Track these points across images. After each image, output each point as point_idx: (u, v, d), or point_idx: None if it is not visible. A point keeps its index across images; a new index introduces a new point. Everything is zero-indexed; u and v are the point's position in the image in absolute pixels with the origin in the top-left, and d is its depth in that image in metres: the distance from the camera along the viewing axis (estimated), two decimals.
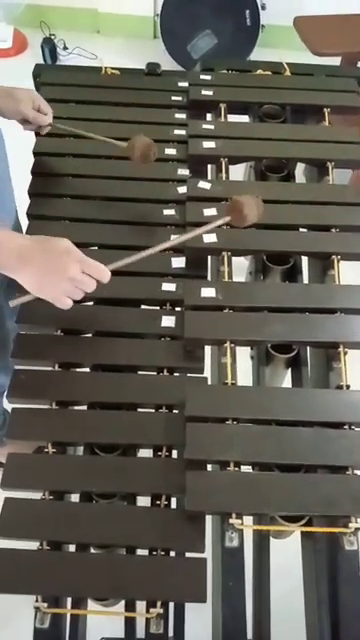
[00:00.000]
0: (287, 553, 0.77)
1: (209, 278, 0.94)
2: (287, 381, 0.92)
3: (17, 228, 1.20)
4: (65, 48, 2.68)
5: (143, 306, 0.90)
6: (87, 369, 0.84)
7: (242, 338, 0.85)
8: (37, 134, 1.08)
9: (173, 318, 0.86)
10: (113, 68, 1.25)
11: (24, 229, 0.98)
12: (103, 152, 1.05)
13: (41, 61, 2.60)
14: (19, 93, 0.98)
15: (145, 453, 0.77)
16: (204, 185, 1.00)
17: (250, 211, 0.87)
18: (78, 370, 0.83)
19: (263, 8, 2.42)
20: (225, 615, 0.66)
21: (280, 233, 0.95)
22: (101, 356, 0.83)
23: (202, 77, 1.22)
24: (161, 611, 0.64)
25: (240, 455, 0.73)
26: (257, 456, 0.73)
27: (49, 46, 2.62)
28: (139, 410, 0.80)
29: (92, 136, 1.03)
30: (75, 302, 0.88)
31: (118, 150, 0.99)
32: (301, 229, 0.98)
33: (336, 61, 1.86)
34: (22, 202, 1.05)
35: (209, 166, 1.11)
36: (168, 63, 2.48)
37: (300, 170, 1.13)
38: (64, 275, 0.74)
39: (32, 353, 0.84)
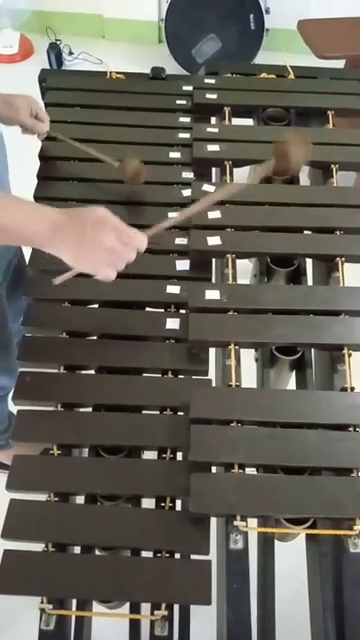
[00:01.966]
0: (292, 556, 0.77)
1: (213, 280, 0.95)
2: (291, 383, 0.92)
3: None
4: (71, 53, 2.69)
5: (148, 308, 0.90)
6: (92, 371, 0.84)
7: (246, 340, 0.85)
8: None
9: (178, 320, 0.86)
10: (118, 72, 1.26)
11: None
12: (109, 155, 1.06)
13: (47, 66, 2.62)
14: (17, 101, 0.99)
15: (150, 455, 0.77)
16: (208, 188, 1.00)
17: (296, 155, 0.82)
18: (83, 372, 0.84)
19: (267, 12, 2.43)
20: (229, 618, 0.66)
21: (284, 235, 0.96)
22: (106, 358, 0.84)
23: (206, 81, 1.22)
24: (166, 613, 0.64)
25: (245, 457, 0.73)
26: (261, 458, 0.73)
27: (55, 51, 2.64)
28: (144, 412, 0.80)
29: (87, 150, 1.03)
30: (80, 304, 0.89)
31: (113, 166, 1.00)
32: (305, 231, 0.98)
33: (340, 64, 1.86)
34: None
35: (213, 169, 1.12)
36: (173, 67, 2.49)
37: (304, 173, 1.13)
38: (101, 245, 0.70)
39: (37, 355, 0.84)
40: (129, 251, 0.72)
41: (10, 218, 0.70)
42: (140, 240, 0.73)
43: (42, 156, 1.08)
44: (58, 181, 1.06)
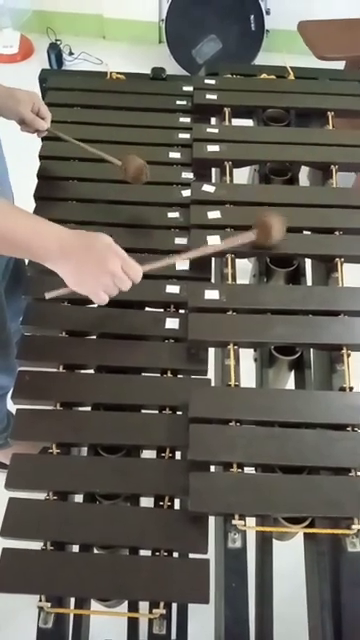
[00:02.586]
0: (290, 555, 0.77)
1: (213, 280, 0.95)
2: (290, 383, 0.92)
3: None
4: (71, 53, 2.70)
5: (147, 308, 0.90)
6: (91, 370, 0.84)
7: (245, 340, 0.85)
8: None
9: (177, 320, 0.86)
10: (118, 73, 1.26)
11: None
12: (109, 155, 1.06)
13: (47, 66, 2.62)
14: (20, 94, 0.98)
15: (149, 454, 0.77)
16: (208, 188, 1.00)
17: (277, 232, 0.89)
18: (82, 371, 0.84)
19: (267, 13, 2.43)
20: (227, 616, 0.66)
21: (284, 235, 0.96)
22: (105, 358, 0.84)
23: (207, 81, 1.23)
24: (164, 612, 0.64)
25: (243, 456, 0.73)
26: (260, 458, 0.73)
27: (55, 51, 2.64)
28: (143, 411, 0.80)
29: (88, 149, 1.03)
30: (79, 304, 0.89)
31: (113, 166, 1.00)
32: (305, 232, 0.98)
33: (340, 65, 1.86)
34: (26, 205, 1.05)
35: (213, 170, 1.12)
36: (173, 68, 2.49)
37: (304, 173, 1.13)
38: (105, 269, 0.74)
39: (37, 354, 0.84)
40: (127, 281, 0.76)
41: (19, 231, 0.72)
42: (138, 272, 0.78)
43: (42, 156, 1.09)
44: (58, 181, 1.06)
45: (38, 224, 0.74)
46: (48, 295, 0.81)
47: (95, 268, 0.74)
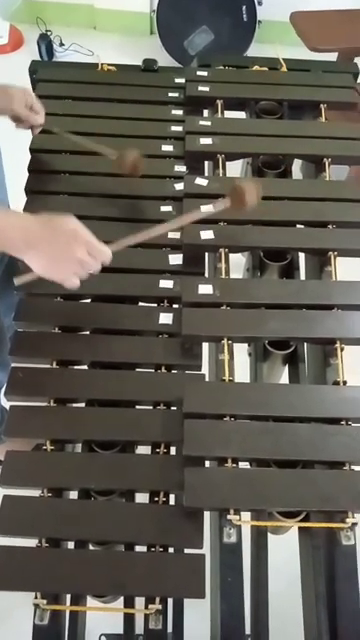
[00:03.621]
0: (285, 549, 0.77)
1: (206, 275, 0.94)
2: (284, 377, 0.92)
3: None
4: (61, 44, 2.66)
5: (141, 303, 0.90)
6: (85, 366, 0.84)
7: (239, 335, 0.85)
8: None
9: (171, 315, 0.86)
10: (110, 64, 1.25)
11: None
12: (100, 149, 1.05)
13: (37, 57, 2.59)
14: (12, 91, 0.97)
15: (143, 450, 0.77)
16: (201, 182, 1.00)
17: (250, 197, 0.87)
18: (76, 367, 0.83)
19: (259, 3, 2.41)
20: (223, 611, 0.66)
21: (277, 229, 0.95)
22: (99, 353, 0.83)
23: (199, 73, 1.21)
24: (160, 607, 0.65)
25: (238, 451, 0.73)
26: (255, 452, 0.73)
27: (45, 42, 2.61)
28: (137, 407, 0.80)
29: (83, 143, 1.02)
30: (73, 299, 0.89)
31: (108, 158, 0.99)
32: (298, 225, 0.98)
33: (333, 57, 1.85)
34: (17, 198, 1.05)
35: (206, 162, 1.11)
36: (165, 59, 2.47)
37: (296, 166, 1.13)
38: (71, 257, 0.74)
39: (30, 350, 0.84)
40: (96, 263, 0.77)
41: None
42: (106, 254, 0.77)
43: (33, 149, 1.07)
44: (50, 174, 1.05)
45: (2, 217, 0.75)
46: (17, 281, 0.81)
47: (61, 256, 0.75)
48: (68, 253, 0.74)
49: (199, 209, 0.90)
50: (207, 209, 0.89)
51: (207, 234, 0.92)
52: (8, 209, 0.76)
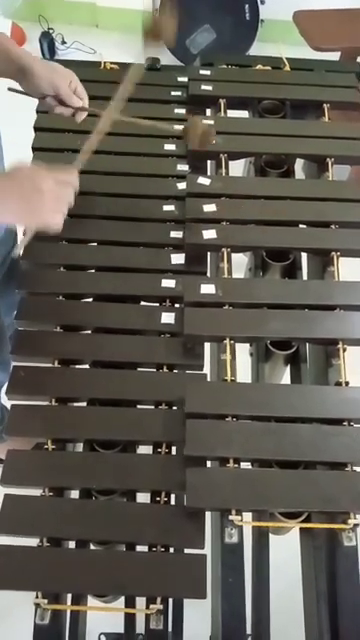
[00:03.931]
0: (286, 549, 0.77)
1: (209, 274, 0.94)
2: (286, 378, 0.92)
3: (10, 229, 1.19)
4: (63, 42, 2.66)
5: (143, 302, 0.90)
6: (87, 366, 0.83)
7: (241, 335, 0.85)
8: (36, 129, 1.08)
9: (173, 315, 0.86)
10: (112, 63, 1.24)
11: (19, 229, 0.97)
12: (102, 148, 1.04)
13: (39, 55, 2.59)
14: (58, 66, 0.92)
15: (145, 450, 0.77)
16: (204, 181, 0.99)
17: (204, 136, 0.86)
18: (77, 367, 0.83)
19: (262, 2, 2.41)
20: (224, 611, 0.66)
21: (279, 229, 0.95)
22: (101, 353, 0.83)
23: (202, 72, 1.21)
24: (161, 607, 0.65)
25: (240, 452, 0.73)
26: (256, 453, 0.73)
27: (47, 40, 2.60)
28: (139, 407, 0.80)
29: (146, 123, 0.97)
30: (74, 298, 0.88)
31: (121, 145, 0.97)
32: (300, 225, 0.97)
33: (335, 56, 1.85)
34: None
35: (209, 162, 1.11)
36: (167, 58, 2.47)
37: (298, 165, 1.13)
38: (40, 193, 0.74)
39: (31, 349, 0.84)
40: (67, 191, 0.76)
41: None
42: (72, 175, 0.77)
43: (35, 147, 1.07)
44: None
45: None
46: (16, 251, 0.81)
47: (30, 197, 0.74)
48: (36, 189, 0.73)
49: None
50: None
51: (209, 234, 0.92)
52: None
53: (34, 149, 1.05)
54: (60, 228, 0.77)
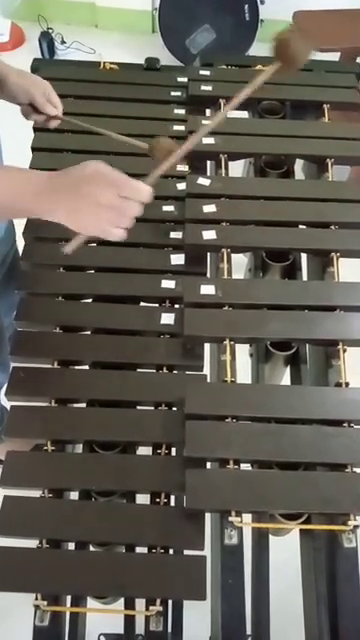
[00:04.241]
0: (286, 551, 0.77)
1: (208, 275, 0.94)
2: (286, 379, 0.92)
3: (9, 229, 1.19)
4: (63, 42, 2.66)
5: (142, 303, 0.89)
6: (86, 366, 0.83)
7: (241, 335, 0.84)
8: (35, 129, 1.08)
9: (172, 315, 0.86)
10: (112, 63, 1.24)
11: (17, 229, 0.97)
12: (101, 148, 1.05)
13: (39, 55, 2.58)
14: (33, 76, 0.96)
15: (144, 451, 0.77)
16: (203, 181, 0.99)
17: (298, 47, 0.73)
18: (77, 367, 0.83)
19: (262, 3, 2.41)
20: (224, 612, 0.66)
21: (279, 230, 0.95)
22: (100, 353, 0.83)
23: (201, 72, 1.21)
24: (161, 609, 0.64)
25: (239, 453, 0.73)
26: (256, 454, 0.73)
27: (47, 40, 2.60)
28: (138, 408, 0.79)
29: (110, 134, 0.99)
30: (74, 299, 0.88)
31: (122, 147, 0.98)
32: (300, 226, 0.97)
33: (335, 56, 1.85)
34: None
35: (208, 162, 1.11)
36: (167, 58, 2.46)
37: (298, 166, 1.13)
38: (98, 204, 0.64)
39: (31, 350, 0.84)
40: (132, 205, 0.65)
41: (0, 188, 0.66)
42: (143, 191, 0.66)
43: (34, 147, 1.07)
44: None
45: (18, 175, 0.68)
46: (67, 249, 0.71)
47: (88, 205, 0.64)
48: (92, 200, 0.64)
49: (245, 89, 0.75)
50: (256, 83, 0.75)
51: (209, 234, 0.92)
52: (20, 169, 0.69)
53: (33, 149, 1.04)
54: (121, 239, 0.67)
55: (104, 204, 0.64)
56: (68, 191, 0.65)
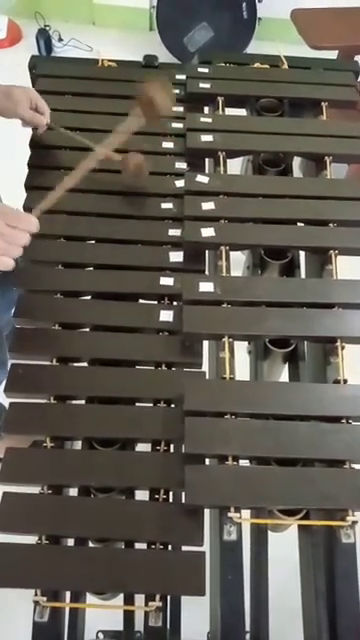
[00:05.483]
0: (285, 546, 0.77)
1: (207, 272, 0.94)
2: (284, 376, 0.92)
3: None
4: (60, 39, 2.65)
5: (141, 300, 0.90)
6: (85, 363, 0.83)
7: (240, 333, 0.85)
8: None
9: (171, 312, 0.86)
10: (110, 60, 1.24)
11: None
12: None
13: (36, 52, 2.58)
14: (16, 93, 0.97)
15: (143, 447, 0.77)
16: (202, 179, 0.99)
17: (162, 99, 0.82)
18: (76, 364, 0.83)
19: (260, 0, 2.41)
20: (223, 608, 0.66)
21: (278, 227, 0.95)
22: (99, 350, 0.83)
23: (200, 70, 1.21)
24: (160, 604, 0.65)
25: (238, 449, 0.73)
26: (255, 450, 0.73)
27: (44, 37, 2.60)
28: (137, 404, 0.80)
29: (88, 145, 0.99)
30: (73, 296, 0.88)
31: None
32: (299, 223, 0.97)
33: (333, 54, 1.85)
34: (16, 196, 1.04)
35: (207, 160, 1.11)
36: (164, 56, 2.46)
37: (296, 164, 1.13)
38: None
39: (30, 347, 0.84)
40: (19, 234, 0.70)
41: None
42: (29, 221, 0.71)
43: (33, 144, 1.07)
44: (49, 170, 1.04)
45: None
46: None
47: None
48: None
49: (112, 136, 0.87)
50: (125, 127, 0.85)
51: (208, 231, 0.92)
52: None
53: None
54: (9, 268, 0.71)
55: None
56: None
